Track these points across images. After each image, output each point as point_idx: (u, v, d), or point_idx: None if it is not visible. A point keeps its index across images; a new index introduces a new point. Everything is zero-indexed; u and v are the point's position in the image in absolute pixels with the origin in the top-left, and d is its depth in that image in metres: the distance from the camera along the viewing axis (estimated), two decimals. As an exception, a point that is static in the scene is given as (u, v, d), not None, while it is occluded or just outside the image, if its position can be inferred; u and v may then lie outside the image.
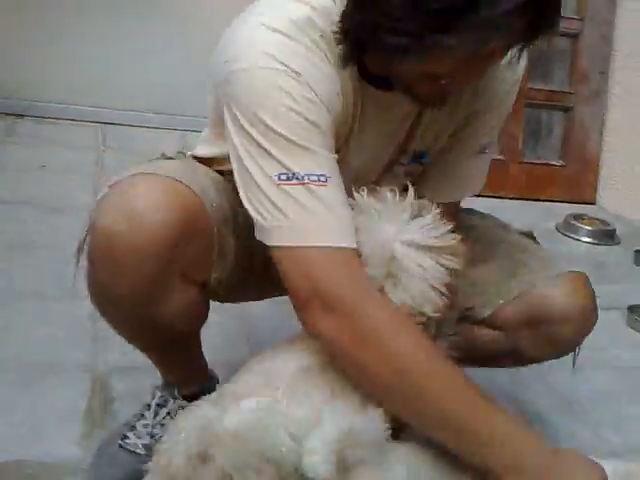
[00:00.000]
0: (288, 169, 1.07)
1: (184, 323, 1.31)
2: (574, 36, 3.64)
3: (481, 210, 1.62)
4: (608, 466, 1.08)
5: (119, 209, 1.13)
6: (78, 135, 3.60)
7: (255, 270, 1.35)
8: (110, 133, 3.62)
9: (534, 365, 2.09)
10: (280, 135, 1.06)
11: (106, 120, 3.72)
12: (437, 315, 1.15)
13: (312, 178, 1.07)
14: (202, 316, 1.36)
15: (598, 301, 2.52)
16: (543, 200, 3.60)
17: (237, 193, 1.15)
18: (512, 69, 1.29)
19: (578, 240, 3.23)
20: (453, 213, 1.34)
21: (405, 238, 1.12)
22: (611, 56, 3.65)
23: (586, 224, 3.29)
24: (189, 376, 1.49)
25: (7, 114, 3.65)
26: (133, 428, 1.47)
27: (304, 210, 1.06)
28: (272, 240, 1.10)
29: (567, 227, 3.30)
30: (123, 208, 1.13)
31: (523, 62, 1.25)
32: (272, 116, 1.06)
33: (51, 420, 1.60)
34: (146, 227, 1.12)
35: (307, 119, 1.08)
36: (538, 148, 3.72)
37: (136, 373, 1.65)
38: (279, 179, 1.06)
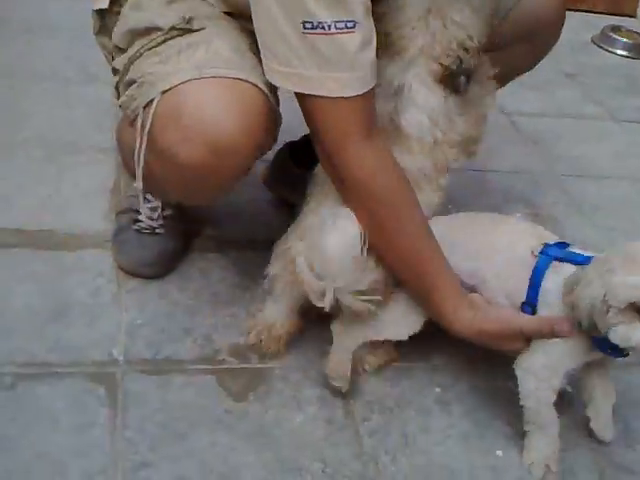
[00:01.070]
0: (314, 17, 1.04)
1: None
2: None
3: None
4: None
5: (201, 140, 1.10)
6: None
7: None
8: None
9: (552, 173, 2.14)
10: None
11: None
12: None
13: (339, 26, 1.05)
14: None
15: (626, 115, 2.55)
16: (584, 11, 3.44)
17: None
18: None
19: (613, 53, 3.12)
20: None
21: None
22: None
23: (623, 36, 3.15)
24: None
25: None
26: (138, 212, 1.46)
27: (324, 61, 1.07)
28: (283, 83, 1.12)
29: (603, 39, 3.17)
30: (205, 139, 1.10)
31: None
32: None
33: (77, 195, 1.65)
34: (232, 159, 1.14)
35: None
36: (582, -46, 3.50)
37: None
38: (304, 28, 1.04)
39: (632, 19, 3.48)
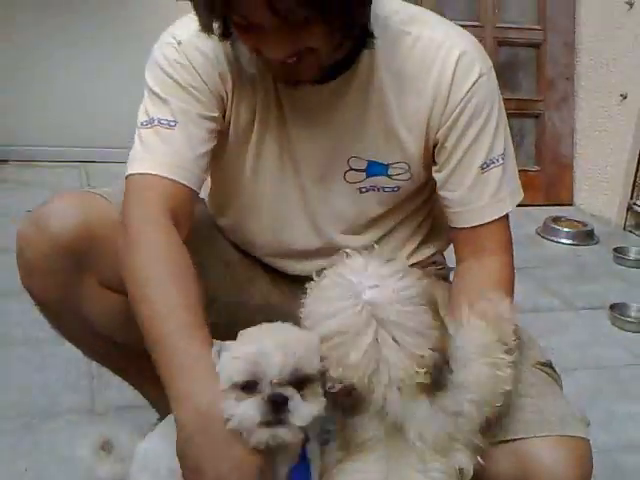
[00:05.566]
0: (148, 115, 1.26)
1: (118, 330, 1.37)
2: (537, 45, 3.79)
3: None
4: None
5: (31, 216, 1.31)
6: (62, 176, 3.63)
7: None
8: (93, 171, 3.67)
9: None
10: (151, 88, 1.28)
11: (88, 159, 3.80)
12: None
13: (162, 122, 1.25)
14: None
15: (581, 302, 2.64)
16: (522, 205, 3.64)
17: None
18: (433, 84, 1.24)
19: (558, 243, 3.30)
20: (482, 239, 1.29)
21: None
22: (574, 62, 3.75)
23: (565, 226, 3.35)
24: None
25: (-10, 160, 3.70)
26: None
27: (144, 146, 1.25)
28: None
29: (547, 230, 3.36)
30: (34, 215, 1.31)
31: (464, 80, 1.24)
32: (150, 76, 1.29)
33: (53, 467, 1.63)
34: (48, 230, 1.28)
35: (172, 77, 1.26)
36: (513, 155, 3.78)
37: (136, 411, 1.69)
38: (142, 124, 1.27)
39: (570, 207, 3.72)
